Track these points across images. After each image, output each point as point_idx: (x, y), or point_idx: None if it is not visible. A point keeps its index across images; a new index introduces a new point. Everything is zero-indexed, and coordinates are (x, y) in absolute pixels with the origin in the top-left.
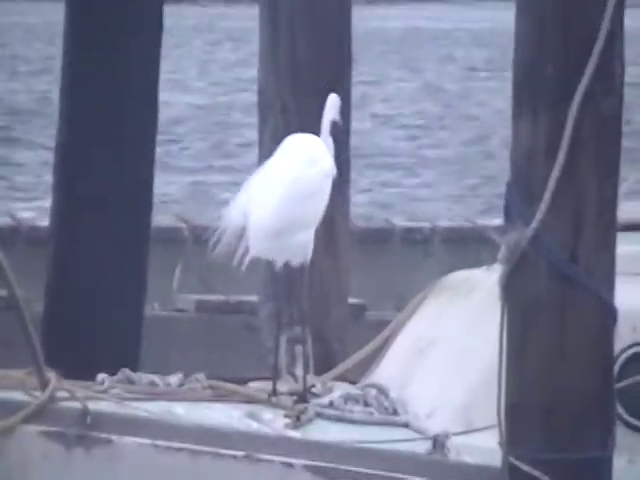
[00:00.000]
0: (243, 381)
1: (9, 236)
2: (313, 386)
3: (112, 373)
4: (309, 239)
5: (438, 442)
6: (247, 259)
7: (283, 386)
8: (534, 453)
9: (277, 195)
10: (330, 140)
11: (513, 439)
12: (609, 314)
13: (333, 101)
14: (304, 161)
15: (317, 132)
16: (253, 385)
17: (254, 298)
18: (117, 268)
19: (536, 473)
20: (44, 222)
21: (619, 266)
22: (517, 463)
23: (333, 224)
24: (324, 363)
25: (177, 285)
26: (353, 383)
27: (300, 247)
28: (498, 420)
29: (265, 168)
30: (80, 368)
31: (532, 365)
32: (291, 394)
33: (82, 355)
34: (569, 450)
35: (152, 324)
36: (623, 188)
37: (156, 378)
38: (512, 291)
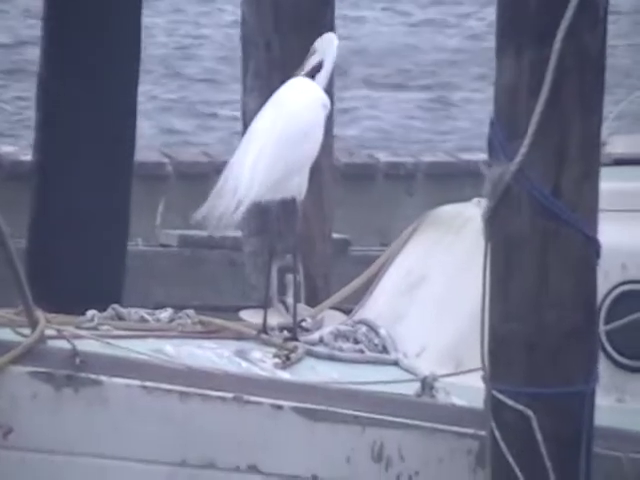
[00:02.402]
0: (234, 310)
1: None
2: (303, 320)
3: (100, 309)
4: (304, 177)
5: (426, 384)
6: (243, 208)
7: (274, 317)
8: (517, 387)
9: (270, 144)
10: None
11: (497, 374)
12: (592, 249)
13: (329, 41)
14: (294, 107)
15: (299, 66)
16: (244, 314)
17: (238, 234)
18: (100, 203)
19: (519, 407)
20: (27, 157)
21: (608, 203)
22: (500, 397)
23: (317, 160)
24: (309, 298)
25: (160, 220)
26: (346, 312)
27: (295, 186)
28: (481, 355)
29: (257, 118)
30: (64, 303)
31: (515, 300)
32: (281, 329)
33: (66, 290)
34: (552, 384)
35: (135, 259)
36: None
37: (146, 314)
38: (495, 226)
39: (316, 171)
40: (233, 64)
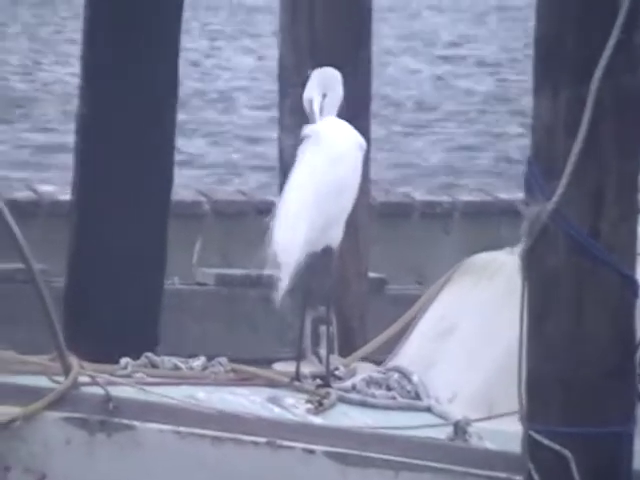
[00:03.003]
0: (267, 362)
1: (30, 210)
2: (337, 369)
3: (136, 349)
4: (340, 228)
5: (459, 428)
6: (289, 272)
7: (307, 367)
8: (554, 427)
9: (310, 202)
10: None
11: (533, 413)
12: (630, 288)
13: (319, 77)
14: (330, 159)
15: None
16: (277, 366)
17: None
18: (138, 242)
19: (556, 447)
20: (65, 196)
21: None
22: (537, 437)
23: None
24: (344, 339)
25: (197, 259)
26: (377, 363)
27: (333, 237)
28: (518, 394)
29: (294, 174)
30: (101, 342)
31: (552, 339)
32: (314, 377)
33: (103, 329)
34: (589, 424)
35: (172, 298)
36: None
37: (179, 362)
38: (533, 265)
39: (352, 210)
40: None
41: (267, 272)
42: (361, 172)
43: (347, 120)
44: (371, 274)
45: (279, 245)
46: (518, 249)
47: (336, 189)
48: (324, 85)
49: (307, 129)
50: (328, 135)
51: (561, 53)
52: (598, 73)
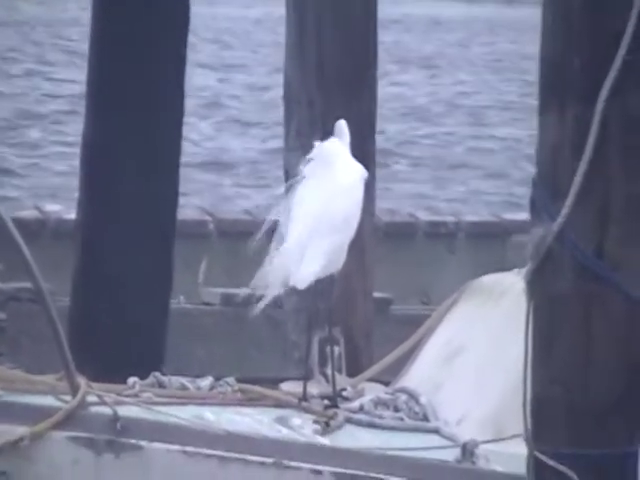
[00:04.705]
0: (274, 382)
1: (36, 229)
2: (344, 389)
3: (142, 369)
4: (343, 255)
5: (467, 450)
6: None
7: (314, 388)
8: (560, 448)
9: (316, 236)
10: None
11: (538, 434)
12: (636, 310)
13: (343, 127)
14: (333, 190)
15: None
16: (285, 386)
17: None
18: (143, 261)
19: (562, 468)
20: (71, 215)
21: None
22: (542, 458)
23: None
24: (350, 358)
25: (203, 279)
26: (385, 384)
27: (336, 261)
28: (524, 416)
29: (296, 203)
30: (106, 363)
31: (557, 361)
32: (322, 397)
33: (109, 349)
34: (595, 445)
35: (178, 317)
36: None
37: (186, 382)
38: (538, 287)
39: (358, 231)
40: None
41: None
42: (363, 198)
43: (353, 139)
44: (376, 294)
45: (291, 272)
46: (524, 270)
47: (344, 219)
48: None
49: (314, 152)
50: (336, 167)
51: (567, 73)
52: (604, 93)
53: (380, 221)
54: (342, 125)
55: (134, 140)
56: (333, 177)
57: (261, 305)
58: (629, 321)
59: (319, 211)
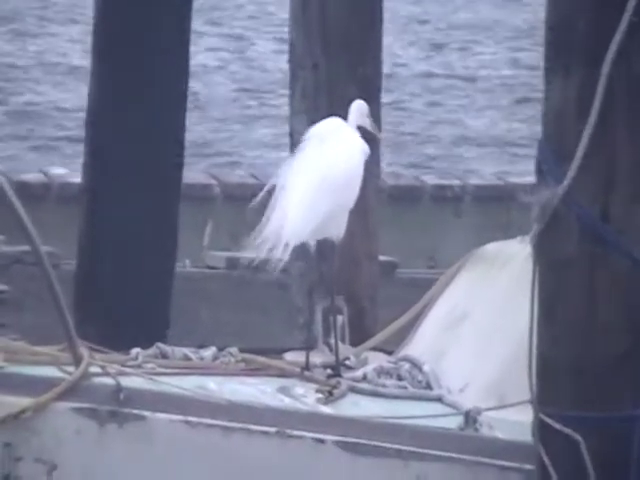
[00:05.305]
0: (278, 352)
1: (41, 193)
2: (347, 358)
3: (145, 336)
4: (343, 221)
5: (470, 417)
6: (286, 252)
7: (318, 357)
8: (565, 411)
9: (309, 198)
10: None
11: (544, 397)
12: None
13: (358, 107)
14: (334, 156)
15: (346, 89)
16: (288, 356)
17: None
18: (148, 224)
19: (567, 430)
20: (76, 179)
21: None
22: (548, 420)
23: (363, 184)
24: (355, 321)
25: (208, 242)
26: (388, 353)
27: (334, 229)
28: (529, 379)
29: (297, 165)
30: (111, 325)
31: (563, 324)
32: (325, 367)
33: (113, 312)
34: (600, 408)
35: (183, 281)
36: None
37: (189, 352)
38: (543, 250)
39: (362, 194)
40: None
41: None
42: (362, 174)
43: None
44: (382, 258)
45: (285, 227)
46: (528, 237)
47: (339, 185)
48: (363, 116)
49: (312, 130)
50: (337, 137)
51: (572, 37)
52: (609, 57)
53: (385, 184)
54: (355, 106)
55: (139, 106)
56: (335, 143)
57: (261, 260)
58: (633, 283)
59: (320, 170)
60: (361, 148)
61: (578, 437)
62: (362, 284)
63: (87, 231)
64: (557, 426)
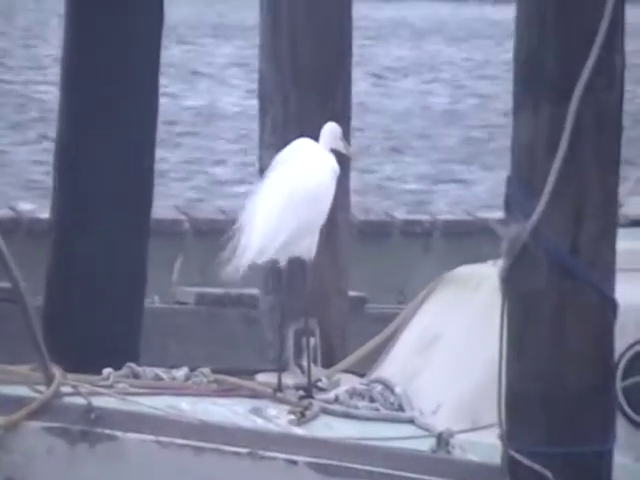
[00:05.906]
0: (250, 373)
1: (9, 228)
2: (319, 380)
3: (116, 367)
4: (314, 240)
5: (442, 440)
6: (250, 265)
7: (290, 379)
8: (534, 446)
9: (277, 210)
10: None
11: (513, 432)
12: (609, 307)
13: (331, 130)
14: (304, 170)
15: (316, 123)
16: (260, 377)
17: (254, 291)
18: (117, 261)
19: (536, 467)
20: (45, 214)
21: (625, 262)
22: (517, 456)
23: (333, 217)
24: (325, 356)
25: (177, 278)
26: (360, 375)
27: (305, 248)
28: (498, 413)
29: (266, 183)
30: (80, 362)
31: (532, 358)
32: (297, 388)
33: (82, 349)
34: (569, 443)
35: (152, 317)
36: (627, 187)
37: (161, 372)
38: (513, 284)
39: (332, 228)
40: None
41: (247, 292)
42: (333, 192)
43: None
44: (351, 293)
45: (247, 241)
46: (500, 262)
47: (308, 198)
48: (336, 139)
49: (278, 156)
50: (299, 155)
51: (541, 72)
52: (577, 92)
53: (355, 219)
54: (327, 128)
55: (107, 141)
56: (303, 160)
57: (231, 275)
58: (602, 318)
59: (288, 184)
60: (331, 165)
61: (547, 473)
62: (332, 321)
63: (55, 264)
64: (526, 462)
